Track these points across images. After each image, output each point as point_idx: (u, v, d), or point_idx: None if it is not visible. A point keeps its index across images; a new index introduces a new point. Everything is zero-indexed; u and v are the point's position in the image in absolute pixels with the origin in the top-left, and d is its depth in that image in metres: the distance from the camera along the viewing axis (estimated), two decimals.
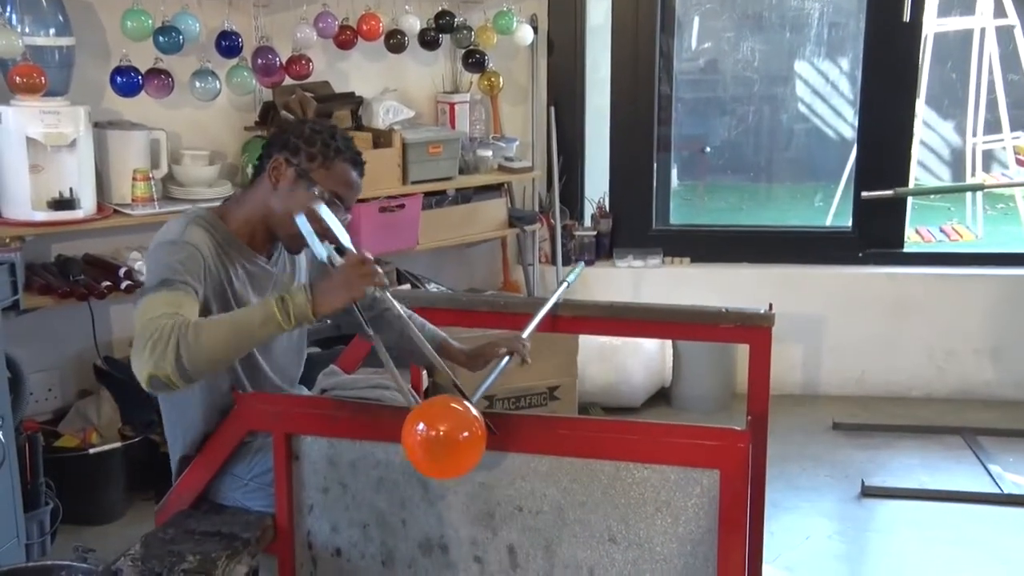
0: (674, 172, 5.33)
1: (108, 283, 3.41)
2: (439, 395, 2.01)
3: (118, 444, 3.44)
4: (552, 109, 4.81)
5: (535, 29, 4.65)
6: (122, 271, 3.46)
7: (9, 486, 2.83)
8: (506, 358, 2.41)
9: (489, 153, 4.46)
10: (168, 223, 2.21)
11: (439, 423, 1.88)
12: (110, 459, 3.42)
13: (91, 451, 3.40)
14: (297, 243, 2.21)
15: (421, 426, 1.87)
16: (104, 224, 3.47)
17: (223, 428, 2.23)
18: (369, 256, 2.01)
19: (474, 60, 4.51)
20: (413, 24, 4.30)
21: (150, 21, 3.57)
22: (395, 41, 4.27)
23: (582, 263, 3.23)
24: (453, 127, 4.47)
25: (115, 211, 3.52)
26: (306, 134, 2.21)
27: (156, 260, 2.10)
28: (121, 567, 2.00)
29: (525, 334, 2.52)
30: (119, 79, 3.59)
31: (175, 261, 2.06)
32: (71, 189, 3.34)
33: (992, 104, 6.47)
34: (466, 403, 1.93)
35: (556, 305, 2.74)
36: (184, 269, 2.05)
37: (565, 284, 2.90)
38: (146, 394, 3.50)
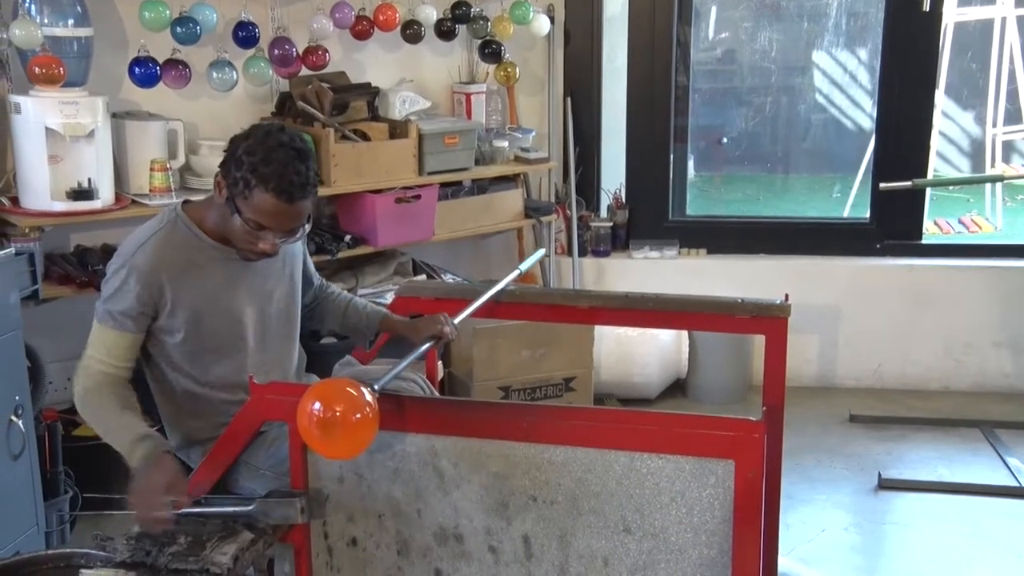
0: (691, 163, 5.31)
1: None
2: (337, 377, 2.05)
3: None
4: (568, 100, 4.80)
5: (552, 19, 4.64)
6: None
7: (29, 475, 2.86)
8: (426, 344, 2.41)
9: (505, 144, 4.45)
10: (139, 230, 2.27)
11: (335, 404, 1.89)
12: None
13: None
14: (246, 257, 2.24)
15: (317, 405, 1.89)
16: (122, 214, 3.49)
17: (239, 418, 2.24)
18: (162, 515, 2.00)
19: (491, 50, 4.50)
20: (430, 14, 4.30)
21: (168, 12, 3.59)
22: (411, 31, 4.27)
23: (542, 251, 3.26)
24: (469, 118, 4.46)
25: (133, 201, 3.54)
26: (237, 155, 2.12)
27: (107, 278, 2.22)
28: (116, 544, 2.03)
29: (458, 319, 2.53)
30: (137, 70, 3.60)
31: (115, 292, 2.19)
32: (89, 179, 3.36)
33: (1012, 94, 6.42)
34: (362, 388, 1.94)
35: (503, 291, 2.76)
36: (121, 302, 2.18)
37: (517, 271, 2.92)
38: None
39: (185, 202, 2.34)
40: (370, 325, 2.59)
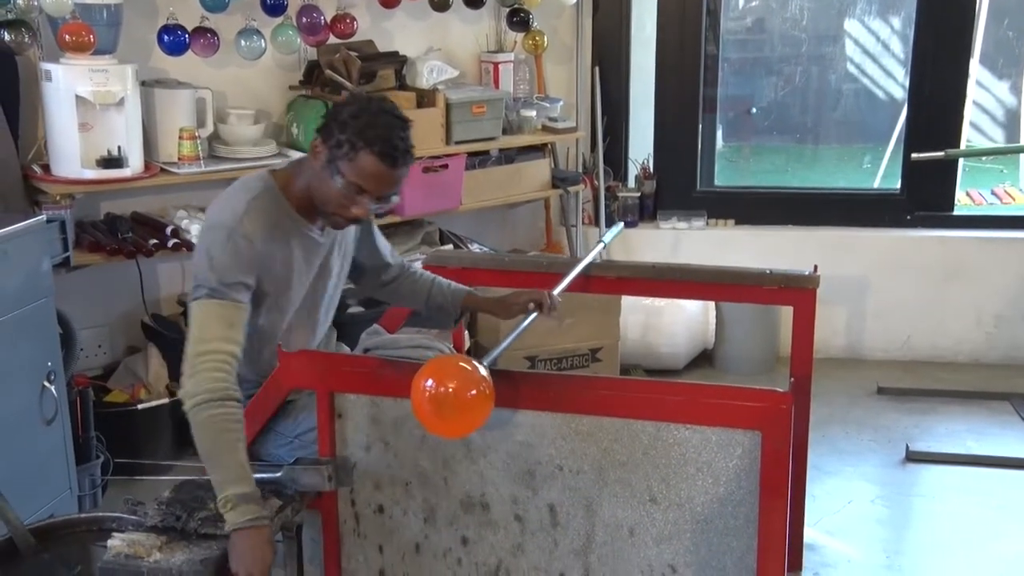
0: (719, 133, 5.25)
1: (155, 241, 3.45)
2: (449, 354, 2.04)
3: (166, 400, 3.51)
4: (596, 69, 4.76)
5: None
6: (169, 229, 3.50)
7: (61, 439, 2.90)
8: (533, 314, 2.42)
9: (533, 113, 4.43)
10: (229, 196, 2.21)
11: (448, 380, 1.90)
12: (158, 414, 3.49)
13: (140, 406, 3.46)
14: (335, 224, 2.23)
15: (430, 382, 1.89)
16: (151, 182, 3.51)
17: (267, 386, 2.26)
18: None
19: (519, 19, 4.48)
20: None
21: None
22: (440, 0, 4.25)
23: (621, 224, 3.20)
24: (497, 87, 4.44)
25: (162, 170, 3.55)
26: (341, 119, 2.13)
27: (210, 250, 2.13)
28: (147, 508, 2.05)
29: (556, 291, 2.52)
30: (166, 37, 3.61)
31: (227, 261, 2.10)
32: (119, 147, 3.38)
33: None
34: (475, 363, 1.94)
35: (591, 265, 2.74)
36: (236, 272, 2.10)
37: (601, 244, 2.89)
38: None
39: (271, 171, 2.32)
40: (454, 303, 2.59)
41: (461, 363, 1.97)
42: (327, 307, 2.42)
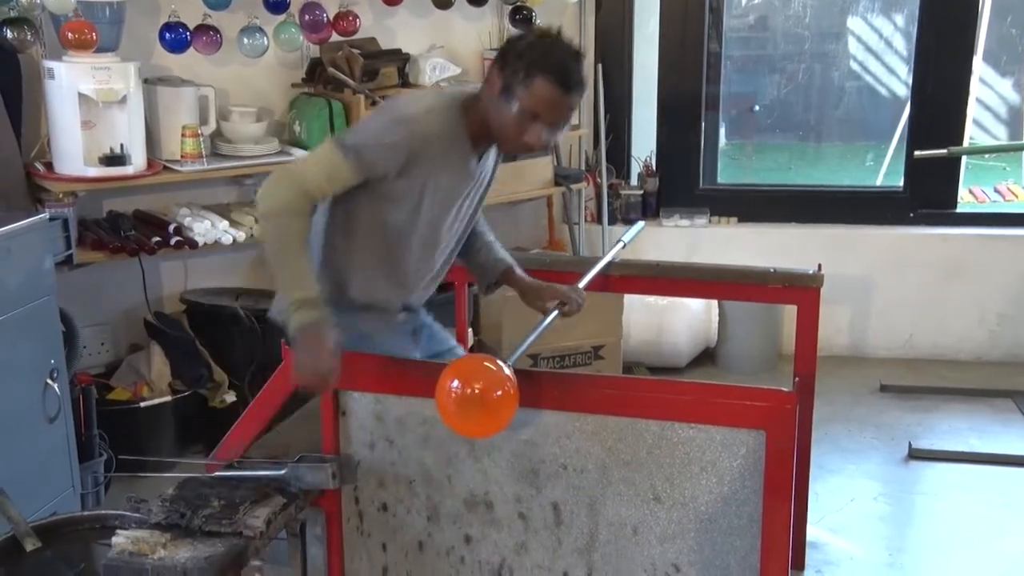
0: (722, 131, 5.25)
1: (158, 239, 3.45)
2: (473, 354, 2.03)
3: (168, 398, 3.51)
4: (599, 66, 4.76)
5: None
6: (172, 227, 3.50)
7: (64, 437, 2.90)
8: (554, 312, 2.42)
9: None
10: (422, 95, 2.40)
11: (474, 381, 1.89)
12: (161, 412, 3.49)
13: (142, 404, 3.47)
14: (509, 150, 2.31)
15: (456, 383, 1.89)
16: (154, 180, 3.51)
17: (272, 383, 2.26)
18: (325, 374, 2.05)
19: (521, 16, 4.47)
20: None
21: None
22: None
23: (641, 223, 3.19)
24: None
25: (165, 167, 3.55)
26: (517, 49, 2.18)
27: (372, 121, 2.28)
28: (151, 506, 2.05)
29: (581, 284, 2.53)
30: (168, 35, 3.61)
31: (378, 138, 2.17)
32: (122, 145, 3.37)
33: None
34: (499, 362, 1.94)
35: (609, 264, 2.73)
36: (377, 149, 2.16)
37: (621, 244, 2.88)
38: (195, 349, 3.56)
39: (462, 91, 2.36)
40: (493, 271, 2.58)
41: (486, 363, 1.96)
42: (455, 236, 2.42)
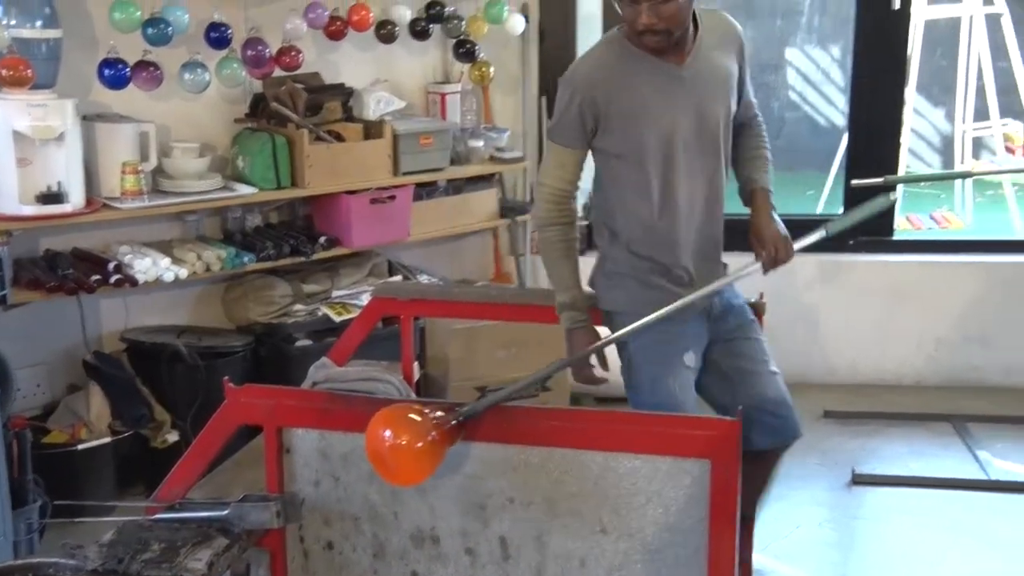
0: None
1: (97, 277, 3.39)
2: (399, 402, 2.07)
3: (107, 439, 3.43)
4: (543, 99, 4.79)
5: (526, 18, 4.63)
6: (111, 265, 3.44)
7: None
8: (756, 265, 2.64)
9: (480, 143, 4.44)
10: (584, 53, 2.59)
11: (403, 433, 1.92)
12: (100, 454, 3.41)
13: (80, 447, 3.38)
14: (644, 45, 2.38)
15: (388, 433, 1.91)
16: (93, 218, 3.46)
17: (215, 421, 2.23)
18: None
19: (465, 50, 4.50)
20: (404, 14, 4.28)
21: (138, 13, 3.55)
22: (386, 31, 4.25)
23: None
24: (444, 118, 4.45)
25: (104, 205, 3.50)
26: None
27: (557, 101, 2.48)
28: (88, 551, 2.01)
29: (798, 246, 2.69)
30: (107, 71, 3.57)
31: (561, 108, 2.45)
32: (59, 183, 3.32)
33: (981, 91, 6.48)
34: (425, 411, 1.97)
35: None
36: (566, 118, 2.43)
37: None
38: (136, 388, 3.50)
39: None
40: (743, 188, 2.72)
41: (411, 414, 1.97)
42: (710, 144, 2.48)
